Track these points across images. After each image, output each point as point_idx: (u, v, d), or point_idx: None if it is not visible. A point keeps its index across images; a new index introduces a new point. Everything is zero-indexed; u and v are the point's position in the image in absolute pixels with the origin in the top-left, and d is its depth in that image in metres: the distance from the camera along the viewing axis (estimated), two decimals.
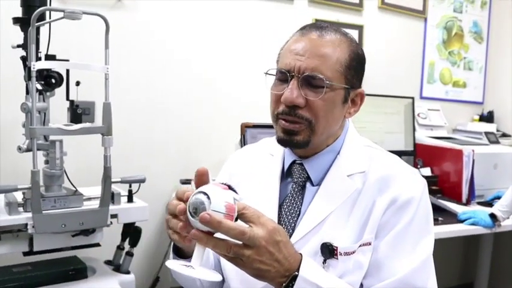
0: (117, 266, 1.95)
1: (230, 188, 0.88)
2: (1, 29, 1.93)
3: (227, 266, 1.13)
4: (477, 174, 2.67)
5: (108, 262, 1.99)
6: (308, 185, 1.12)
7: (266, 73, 1.11)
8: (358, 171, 1.10)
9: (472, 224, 2.28)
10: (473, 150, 2.66)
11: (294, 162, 1.14)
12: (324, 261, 1.02)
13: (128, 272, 1.91)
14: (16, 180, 1.72)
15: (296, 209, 1.10)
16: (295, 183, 1.13)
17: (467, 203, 2.64)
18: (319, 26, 1.09)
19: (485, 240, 3.22)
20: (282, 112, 1.05)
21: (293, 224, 1.09)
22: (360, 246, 1.03)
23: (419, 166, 2.81)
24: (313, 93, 1.03)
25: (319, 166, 1.12)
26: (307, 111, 1.04)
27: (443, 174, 2.78)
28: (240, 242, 0.85)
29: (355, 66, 1.08)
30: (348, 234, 1.04)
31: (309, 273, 0.92)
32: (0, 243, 1.64)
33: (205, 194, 0.83)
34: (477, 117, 3.47)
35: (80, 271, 1.78)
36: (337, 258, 1.02)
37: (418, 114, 3.11)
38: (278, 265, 0.88)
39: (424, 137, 3.00)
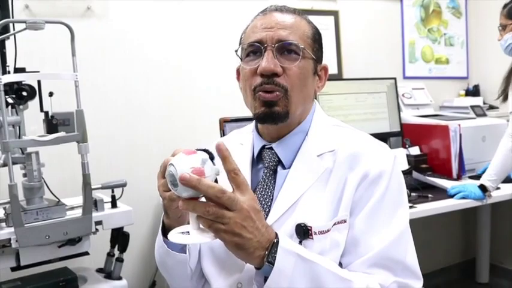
0: (108, 273, 1.95)
1: (208, 153, 0.89)
2: None
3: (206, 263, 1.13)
4: (466, 149, 2.66)
5: (99, 270, 1.99)
6: (279, 168, 1.12)
7: (236, 51, 1.13)
8: (327, 150, 1.09)
9: (463, 197, 2.27)
10: (459, 125, 2.65)
11: (263, 148, 1.15)
12: (300, 243, 1.02)
13: (119, 278, 1.91)
14: (3, 197, 1.71)
15: (269, 193, 1.10)
16: (267, 168, 1.13)
17: (458, 178, 2.62)
18: (278, 7, 1.13)
19: (483, 213, 3.22)
20: (261, 83, 1.06)
21: (267, 209, 1.08)
22: (335, 224, 1.03)
23: (407, 146, 2.80)
24: (288, 61, 1.06)
25: (289, 148, 1.12)
26: (284, 79, 1.06)
27: (432, 152, 2.77)
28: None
29: (317, 39, 1.13)
30: (321, 213, 1.04)
31: (288, 243, 0.92)
32: None
33: (172, 164, 0.85)
34: (463, 92, 3.47)
35: (70, 281, 1.78)
36: (312, 238, 1.01)
37: (403, 95, 3.10)
38: (259, 234, 0.88)
39: (410, 116, 2.99)
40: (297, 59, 1.06)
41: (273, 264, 0.89)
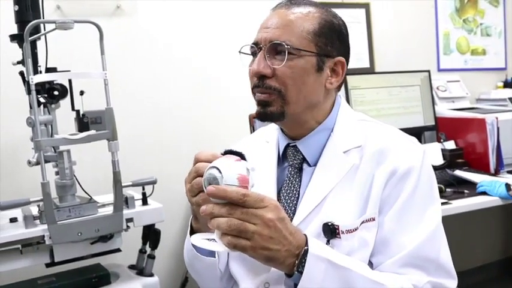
0: (140, 270, 1.97)
1: (242, 157, 0.88)
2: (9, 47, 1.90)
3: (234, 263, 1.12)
4: (504, 142, 2.57)
5: (131, 266, 2.01)
6: (305, 166, 1.10)
7: (240, 52, 1.12)
8: (353, 146, 1.07)
9: (484, 192, 2.19)
10: (496, 118, 2.56)
11: (288, 146, 1.13)
12: (328, 242, 0.99)
13: (151, 275, 1.92)
14: (38, 195, 1.74)
15: (295, 192, 1.08)
16: (292, 166, 1.11)
17: (496, 173, 2.54)
18: (288, 2, 1.09)
19: None
20: (254, 85, 1.06)
21: (293, 208, 1.07)
22: (363, 222, 1.00)
23: (442, 140, 2.73)
24: (277, 61, 1.03)
25: (314, 146, 1.09)
26: (275, 80, 1.03)
27: (469, 146, 2.69)
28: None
29: (326, 33, 1.05)
30: (349, 211, 1.01)
31: (319, 248, 0.89)
32: (22, 256, 1.68)
33: (217, 168, 0.83)
34: (501, 84, 3.34)
35: (103, 278, 1.80)
36: (340, 237, 0.99)
37: (438, 88, 3.02)
38: (287, 243, 0.85)
39: (445, 110, 2.91)
40: (284, 59, 1.02)
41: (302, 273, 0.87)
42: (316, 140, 1.09)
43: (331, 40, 1.06)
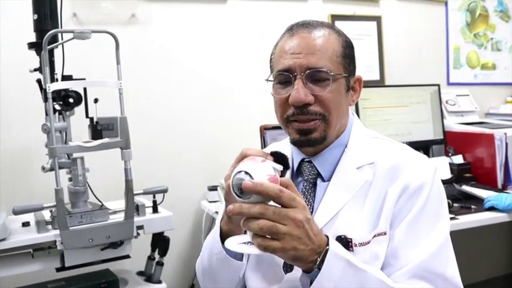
0: (148, 276, 1.99)
1: (285, 160, 0.90)
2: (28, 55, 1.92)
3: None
4: None
5: (140, 273, 2.04)
6: (319, 181, 1.12)
7: (267, 80, 1.11)
8: (367, 162, 1.09)
9: (491, 207, 2.18)
10: (505, 134, 2.55)
11: (302, 161, 1.15)
12: None
13: (159, 282, 1.95)
14: (49, 200, 1.76)
15: (309, 206, 1.10)
16: (306, 181, 1.13)
17: (504, 189, 2.54)
18: (305, 23, 1.10)
19: None
20: (293, 114, 1.05)
21: None
22: (375, 236, 1.02)
23: (450, 154, 2.73)
24: (319, 87, 1.04)
25: (328, 161, 1.12)
26: (318, 106, 1.05)
27: (477, 161, 2.69)
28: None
29: (348, 54, 1.10)
30: (361, 225, 1.04)
31: (339, 248, 0.91)
32: (34, 260, 1.71)
33: (246, 172, 0.82)
34: (510, 99, 3.34)
35: (112, 283, 1.83)
36: (352, 250, 1.01)
37: (447, 101, 3.02)
38: (311, 242, 0.86)
39: (454, 124, 2.91)
40: (328, 84, 1.04)
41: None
42: (331, 155, 1.12)
43: (352, 59, 1.11)
